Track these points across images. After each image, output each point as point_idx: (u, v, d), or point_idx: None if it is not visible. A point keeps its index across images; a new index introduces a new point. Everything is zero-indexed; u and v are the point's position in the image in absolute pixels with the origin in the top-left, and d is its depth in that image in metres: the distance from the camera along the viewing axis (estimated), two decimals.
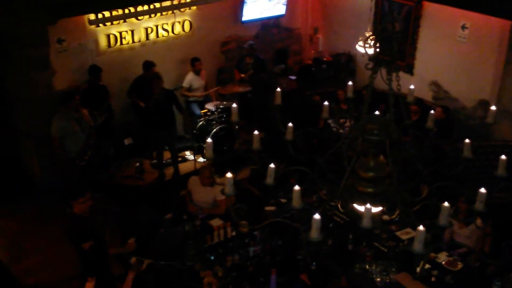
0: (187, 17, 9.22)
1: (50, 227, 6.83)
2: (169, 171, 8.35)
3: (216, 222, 6.10)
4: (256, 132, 3.72)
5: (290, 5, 10.54)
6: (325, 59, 10.56)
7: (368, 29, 8.42)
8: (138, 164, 8.13)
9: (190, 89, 8.98)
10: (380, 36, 3.36)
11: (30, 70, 7.24)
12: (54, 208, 6.76)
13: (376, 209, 3.33)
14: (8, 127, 7.67)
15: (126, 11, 8.35)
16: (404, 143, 3.66)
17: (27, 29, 6.90)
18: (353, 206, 3.42)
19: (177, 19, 9.10)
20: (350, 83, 4.19)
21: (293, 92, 9.60)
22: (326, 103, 4.24)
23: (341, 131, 8.27)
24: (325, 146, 6.87)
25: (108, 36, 8.40)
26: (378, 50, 3.33)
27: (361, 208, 3.29)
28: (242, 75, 9.62)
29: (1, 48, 7.02)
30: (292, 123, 3.90)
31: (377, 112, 3.63)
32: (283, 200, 6.46)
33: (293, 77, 10.58)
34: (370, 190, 3.40)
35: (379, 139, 3.31)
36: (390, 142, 3.35)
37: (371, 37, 3.53)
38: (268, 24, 10.57)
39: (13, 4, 6.60)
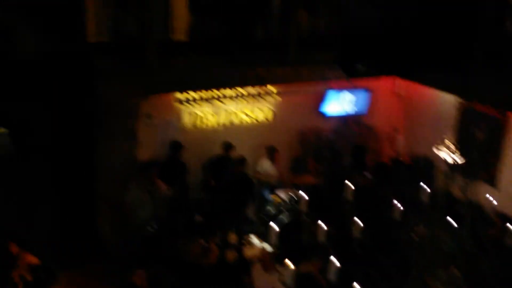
0: (269, 105, 9.54)
1: None
2: (234, 253, 8.28)
3: None
4: (322, 224, 3.68)
5: (371, 103, 10.63)
6: (403, 160, 10.38)
7: (450, 135, 8.25)
8: (204, 242, 8.15)
9: (263, 174, 9.09)
10: (460, 143, 3.31)
11: (118, 139, 7.72)
12: (119, 274, 6.89)
13: None
14: (88, 190, 8.07)
15: (212, 93, 8.79)
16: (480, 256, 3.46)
17: (123, 101, 7.45)
18: None
19: (259, 106, 9.43)
20: (425, 187, 4.10)
21: (366, 190, 9.42)
22: (398, 204, 4.15)
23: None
24: (393, 247, 6.58)
25: (192, 115, 8.83)
26: (457, 156, 3.27)
27: None
28: (317, 166, 9.63)
29: (96, 118, 7.57)
30: (361, 220, 3.82)
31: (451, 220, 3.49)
32: None
33: (368, 175, 10.43)
34: None
35: (450, 249, 3.15)
36: (463, 256, 3.18)
37: (452, 143, 3.48)
38: (348, 119, 10.67)
39: (116, 78, 7.17)
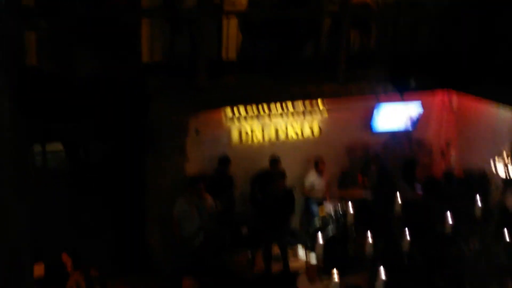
0: (317, 120, 9.51)
1: None
2: (278, 266, 8.27)
3: None
4: (370, 238, 3.62)
5: (423, 117, 10.42)
6: (456, 175, 10.09)
7: (505, 149, 7.97)
8: (250, 254, 8.20)
9: (310, 188, 9.06)
10: None
11: (167, 155, 7.90)
12: (167, 285, 7.02)
13: None
14: (139, 205, 8.27)
15: (261, 110, 8.87)
16: None
17: (174, 118, 7.64)
18: None
19: (308, 122, 9.43)
20: (479, 201, 3.97)
21: (417, 204, 9.21)
22: (449, 218, 4.03)
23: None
24: (445, 262, 6.38)
25: (240, 131, 8.93)
26: None
27: None
28: (365, 181, 9.51)
29: (148, 134, 7.79)
30: (411, 234, 3.74)
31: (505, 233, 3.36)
32: None
33: (419, 189, 10.19)
34: None
35: (504, 263, 3.03)
36: None
37: (507, 157, 3.37)
38: (398, 134, 10.49)
39: (168, 97, 7.38)
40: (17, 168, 4.40)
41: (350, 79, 8.68)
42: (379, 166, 9.59)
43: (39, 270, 7.04)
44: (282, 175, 8.18)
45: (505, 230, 3.33)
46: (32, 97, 5.66)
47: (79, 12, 6.96)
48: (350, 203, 8.32)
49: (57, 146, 8.36)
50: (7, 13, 4.23)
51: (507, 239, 3.30)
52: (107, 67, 7.19)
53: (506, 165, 3.46)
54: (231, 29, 8.34)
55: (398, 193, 7.22)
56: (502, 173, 3.38)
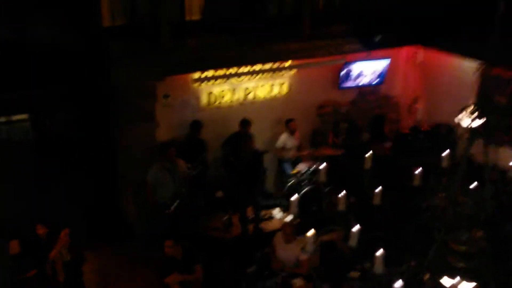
0: (285, 80, 9.50)
1: (143, 270, 7.14)
2: (254, 226, 8.40)
3: (298, 282, 6.00)
4: (341, 194, 3.69)
5: (389, 73, 10.52)
6: (423, 129, 10.30)
7: (471, 101, 8.14)
8: (226, 217, 8.29)
9: (283, 148, 9.13)
10: (482, 108, 3.28)
11: (136, 121, 7.81)
12: (147, 253, 7.05)
13: (468, 285, 3.13)
14: (110, 172, 8.21)
15: (228, 71, 8.79)
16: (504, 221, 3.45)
17: (140, 83, 7.50)
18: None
19: (276, 81, 9.40)
20: (446, 153, 4.07)
21: (386, 159, 9.41)
22: (418, 171, 4.13)
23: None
24: (414, 215, 6.60)
25: (209, 93, 8.85)
26: (478, 122, 3.24)
27: (450, 282, 3.11)
28: (336, 139, 9.63)
29: (113, 100, 7.65)
30: (381, 188, 3.82)
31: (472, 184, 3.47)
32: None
33: (387, 144, 10.39)
34: (462, 264, 3.22)
35: (473, 213, 3.15)
36: (485, 218, 3.17)
37: (473, 109, 3.45)
38: (365, 91, 10.59)
39: (132, 61, 7.23)
40: None
41: (315, 36, 8.63)
42: (349, 123, 9.70)
43: (15, 246, 6.99)
44: (250, 137, 8.19)
45: (472, 181, 3.45)
46: None
47: None
48: (322, 161, 8.46)
49: (21, 116, 8.15)
50: None
51: (475, 189, 3.43)
52: (65, 31, 6.96)
53: (471, 118, 3.54)
54: None
55: (367, 150, 7.38)
56: (467, 125, 3.48)
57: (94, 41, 7.18)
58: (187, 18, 8.08)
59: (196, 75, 8.57)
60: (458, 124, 8.87)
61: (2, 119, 7.66)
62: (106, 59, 7.19)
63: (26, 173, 7.53)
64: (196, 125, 8.38)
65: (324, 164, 3.95)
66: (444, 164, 4.00)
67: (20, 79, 6.71)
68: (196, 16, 8.18)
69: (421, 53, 10.60)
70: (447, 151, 4.42)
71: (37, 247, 6.68)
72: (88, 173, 7.90)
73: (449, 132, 9.91)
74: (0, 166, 7.17)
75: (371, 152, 5.10)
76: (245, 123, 8.66)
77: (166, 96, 8.33)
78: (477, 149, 3.36)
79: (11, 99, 6.84)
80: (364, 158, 4.50)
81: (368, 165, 3.98)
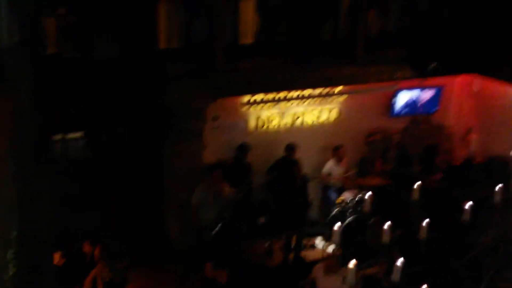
0: (335, 105, 9.42)
1: None
2: (296, 255, 8.27)
3: None
4: (386, 226, 3.59)
5: (443, 101, 10.26)
6: (476, 161, 9.94)
7: None
8: (267, 244, 8.22)
9: (329, 175, 9.02)
10: None
11: (184, 141, 7.93)
12: (189, 273, 7.12)
13: None
14: (157, 191, 8.34)
15: (278, 95, 8.81)
16: None
17: (190, 105, 7.66)
18: None
19: (325, 107, 9.34)
20: (498, 187, 3.90)
21: (435, 191, 9.10)
22: (468, 205, 3.98)
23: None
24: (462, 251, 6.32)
25: (258, 117, 8.89)
26: None
27: None
28: (384, 167, 9.43)
29: (164, 121, 7.82)
30: (430, 222, 3.69)
31: None
32: None
33: (439, 176, 10.06)
34: None
35: None
36: None
37: None
38: (417, 119, 10.35)
39: (186, 81, 7.39)
40: (39, 156, 4.45)
41: (369, 61, 8.56)
42: (399, 152, 9.48)
43: (57, 258, 7.14)
44: (297, 163, 8.14)
45: None
46: (53, 84, 5.70)
47: None
48: (368, 191, 8.29)
49: (77, 134, 8.44)
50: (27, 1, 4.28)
51: None
52: (124, 51, 7.23)
53: None
54: (248, 12, 8.27)
55: (417, 180, 7.15)
56: None
57: (150, 62, 7.40)
58: (241, 41, 8.22)
59: (246, 98, 8.65)
60: None
61: (58, 137, 7.95)
62: (161, 79, 7.39)
63: (77, 189, 7.74)
64: (243, 149, 8.41)
65: (370, 193, 3.85)
66: (497, 199, 3.81)
67: (78, 96, 6.96)
68: (250, 39, 8.32)
69: (477, 82, 10.29)
70: (501, 185, 4.23)
71: (81, 263, 6.78)
72: (135, 190, 8.06)
73: (503, 166, 9.52)
74: (54, 182, 7.41)
75: (419, 183, 4.97)
76: (290, 148, 8.63)
77: (215, 118, 8.43)
78: None
79: (69, 116, 7.09)
80: (412, 189, 4.37)
81: (416, 196, 3.84)
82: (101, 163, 8.14)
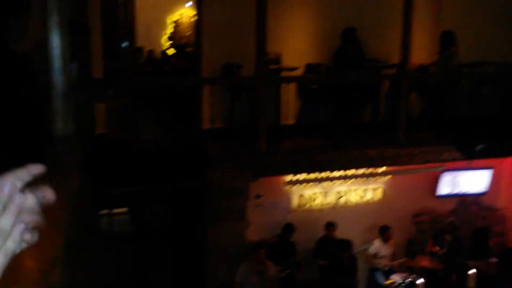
0: (380, 185, 9.27)
1: None
2: None
3: None
4: None
5: (493, 183, 9.93)
6: None
7: None
8: None
9: (376, 256, 8.72)
10: None
11: (227, 219, 7.87)
12: None
13: None
14: (199, 269, 8.22)
15: (321, 175, 8.77)
16: None
17: (233, 184, 7.70)
18: None
19: (369, 186, 9.21)
20: None
21: (491, 277, 8.59)
22: None
23: None
24: None
25: (300, 196, 8.82)
26: None
27: None
28: (436, 250, 9.02)
29: (206, 199, 7.86)
30: None
31: None
32: None
33: (493, 260, 9.53)
34: None
35: None
36: None
37: None
38: (467, 201, 10.01)
39: (227, 162, 7.50)
40: (85, 234, 4.49)
41: (411, 143, 8.48)
42: (453, 235, 9.08)
43: None
44: (350, 244, 7.96)
45: None
46: (100, 164, 5.88)
47: (144, 80, 7.32)
48: (419, 274, 7.91)
49: (121, 210, 8.57)
50: (79, 85, 4.51)
51: None
52: (168, 132, 7.44)
53: None
54: (289, 94, 8.47)
55: (470, 264, 6.79)
56: None
57: (193, 142, 7.57)
58: (283, 122, 8.35)
59: (289, 177, 8.64)
60: None
61: (104, 212, 8.09)
62: (204, 159, 7.51)
63: (123, 265, 7.74)
64: (289, 228, 8.33)
65: (422, 280, 3.65)
66: None
67: (124, 176, 7.12)
68: (291, 121, 8.45)
69: None
70: None
71: None
72: (176, 267, 7.98)
73: None
74: (100, 255, 7.45)
75: (474, 270, 4.67)
76: (329, 226, 8.50)
77: (258, 196, 8.42)
78: None
79: (116, 195, 7.24)
80: (466, 274, 4.11)
81: (472, 284, 3.60)
82: (143, 239, 8.16)
